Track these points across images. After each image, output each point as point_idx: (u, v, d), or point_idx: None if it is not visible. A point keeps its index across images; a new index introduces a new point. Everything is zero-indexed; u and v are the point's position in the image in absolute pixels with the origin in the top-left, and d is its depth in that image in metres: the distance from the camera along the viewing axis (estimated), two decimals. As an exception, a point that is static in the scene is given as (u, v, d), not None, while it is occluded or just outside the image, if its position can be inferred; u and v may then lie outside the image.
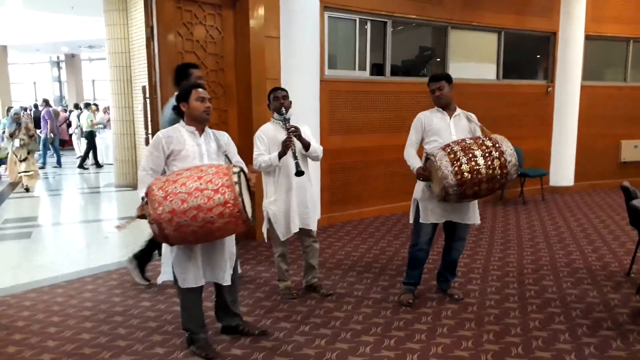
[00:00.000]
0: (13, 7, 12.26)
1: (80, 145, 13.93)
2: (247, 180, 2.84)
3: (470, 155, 3.31)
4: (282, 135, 3.63)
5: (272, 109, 3.79)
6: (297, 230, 3.77)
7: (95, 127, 12.45)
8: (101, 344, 3.15)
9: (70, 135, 15.42)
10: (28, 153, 9.04)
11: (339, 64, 6.40)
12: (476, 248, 5.17)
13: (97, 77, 22.10)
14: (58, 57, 22.32)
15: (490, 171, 3.30)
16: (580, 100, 8.21)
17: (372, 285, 4.16)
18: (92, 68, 22.18)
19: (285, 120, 3.64)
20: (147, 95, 5.01)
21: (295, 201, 3.74)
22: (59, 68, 22.97)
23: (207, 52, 5.18)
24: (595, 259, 4.81)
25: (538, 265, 4.63)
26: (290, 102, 3.80)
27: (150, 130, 5.17)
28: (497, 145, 3.38)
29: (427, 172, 3.53)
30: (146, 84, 5.40)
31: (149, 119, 5.21)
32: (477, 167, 3.28)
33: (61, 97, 22.68)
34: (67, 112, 16.99)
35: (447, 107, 3.69)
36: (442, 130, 3.63)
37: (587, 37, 8.10)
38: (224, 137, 3.10)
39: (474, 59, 7.68)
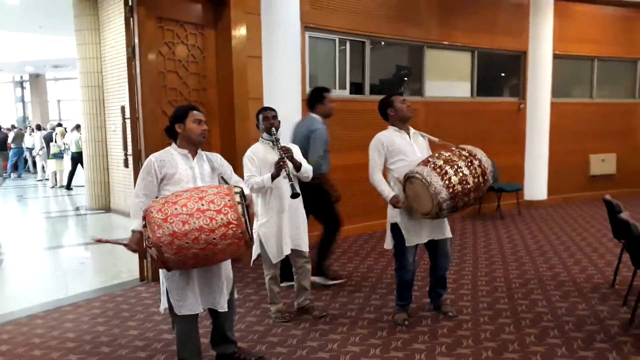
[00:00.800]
0: (-24, 26, 11.87)
1: (46, 167, 13.48)
2: (246, 201, 2.77)
3: (456, 166, 3.31)
4: (272, 155, 3.59)
5: (262, 129, 3.74)
6: (289, 252, 3.71)
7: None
8: (90, 378, 2.99)
9: (34, 157, 14.93)
10: None
11: (319, 83, 6.40)
12: (462, 264, 5.20)
13: (63, 97, 21.57)
14: (22, 77, 21.70)
15: (476, 180, 3.33)
16: (550, 116, 8.47)
17: (364, 304, 4.12)
18: (58, 88, 21.63)
19: (276, 141, 3.59)
20: (128, 115, 4.88)
21: (287, 223, 3.68)
22: (23, 88, 22.33)
23: (189, 71, 5.12)
24: (579, 271, 4.90)
25: (525, 279, 4.69)
26: (279, 121, 3.77)
27: (129, 151, 5.03)
28: (472, 153, 3.41)
29: (403, 201, 3.51)
30: (125, 103, 5.27)
31: (129, 140, 5.08)
32: (465, 177, 3.29)
33: (24, 118, 22.01)
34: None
35: (406, 122, 3.71)
36: (405, 148, 3.62)
37: (555, 56, 8.39)
38: (217, 158, 3.03)
39: (449, 78, 7.85)
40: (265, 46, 5.50)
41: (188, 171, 2.82)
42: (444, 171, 3.29)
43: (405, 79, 7.66)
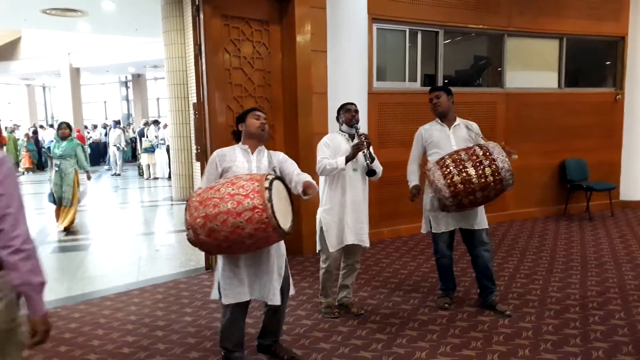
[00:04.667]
0: (82, 31, 13.06)
1: (118, 161, 14.42)
2: (288, 189, 2.80)
3: (461, 166, 3.45)
4: (347, 146, 3.62)
5: (342, 122, 3.74)
6: (349, 243, 3.65)
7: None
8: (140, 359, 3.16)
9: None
10: None
11: (388, 76, 6.27)
12: (535, 267, 4.83)
13: (162, 95, 23.11)
14: (126, 77, 23.57)
15: (483, 179, 3.42)
16: (653, 108, 7.61)
17: (419, 305, 3.97)
18: (157, 87, 23.22)
19: (357, 130, 3.62)
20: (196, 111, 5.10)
21: (350, 216, 3.65)
22: (127, 87, 24.25)
23: (254, 68, 5.22)
24: (672, 282, 4.36)
25: (604, 287, 4.25)
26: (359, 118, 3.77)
27: (199, 147, 5.25)
28: (487, 153, 3.47)
29: (418, 192, 3.88)
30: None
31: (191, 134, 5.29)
32: (469, 177, 3.42)
33: (129, 115, 23.91)
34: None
35: (444, 116, 3.85)
36: (441, 141, 3.79)
37: (661, 41, 7.51)
38: (279, 156, 3.09)
39: (533, 67, 7.31)
40: (330, 40, 5.46)
41: (245, 164, 2.94)
42: (448, 170, 3.46)
43: (491, 68, 7.22)
